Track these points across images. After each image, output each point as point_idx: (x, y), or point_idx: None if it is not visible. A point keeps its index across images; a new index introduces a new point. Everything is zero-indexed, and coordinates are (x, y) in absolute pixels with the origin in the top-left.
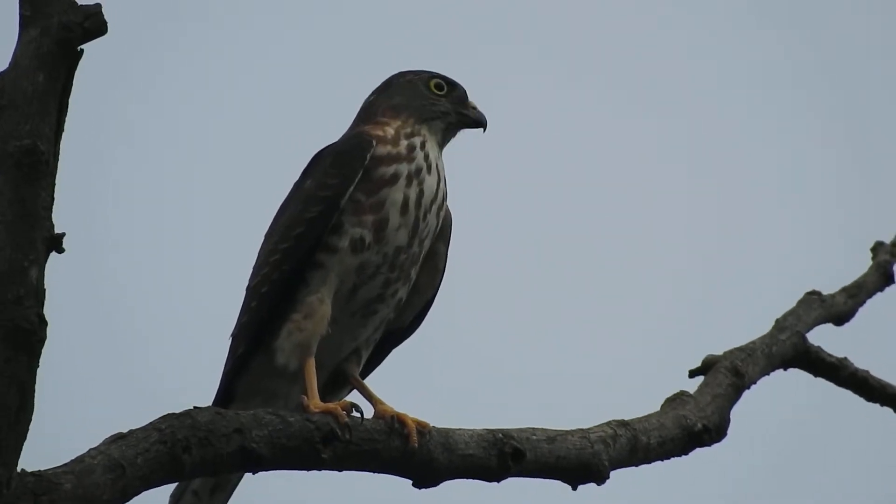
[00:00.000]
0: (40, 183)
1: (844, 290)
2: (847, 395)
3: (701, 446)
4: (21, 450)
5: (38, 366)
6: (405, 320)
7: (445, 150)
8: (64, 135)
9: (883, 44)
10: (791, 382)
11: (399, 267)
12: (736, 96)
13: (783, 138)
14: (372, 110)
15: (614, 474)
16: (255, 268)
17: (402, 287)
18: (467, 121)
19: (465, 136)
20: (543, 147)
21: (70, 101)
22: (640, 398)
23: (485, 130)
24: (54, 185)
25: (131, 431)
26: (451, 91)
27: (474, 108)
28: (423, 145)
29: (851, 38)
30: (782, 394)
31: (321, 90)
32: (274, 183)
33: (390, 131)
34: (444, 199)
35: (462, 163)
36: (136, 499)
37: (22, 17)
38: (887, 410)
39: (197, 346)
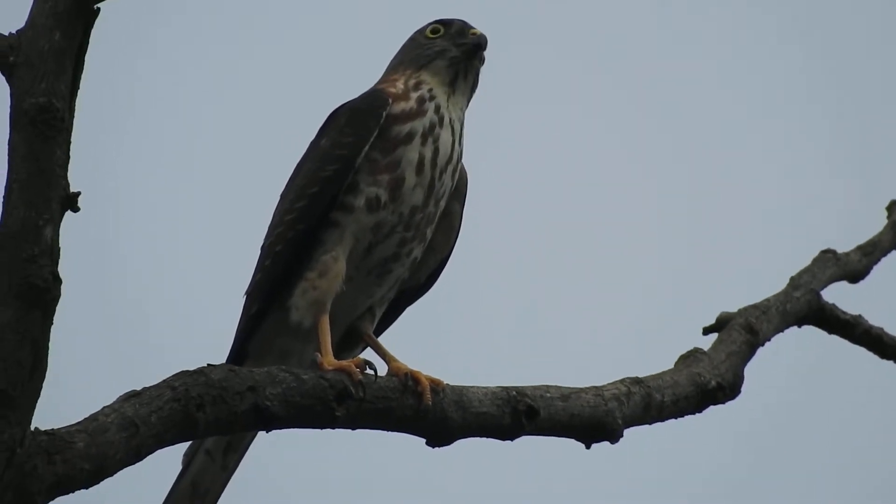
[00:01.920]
0: (55, 140)
1: (859, 248)
2: (861, 352)
3: (715, 404)
4: (34, 408)
5: (52, 324)
6: (420, 279)
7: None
8: (80, 93)
9: None
10: (805, 340)
11: (415, 226)
12: (749, 54)
13: (799, 98)
14: (382, 76)
15: (628, 432)
16: (270, 227)
17: (417, 246)
18: (467, 48)
19: (491, 92)
20: (561, 108)
21: (86, 58)
22: (653, 355)
23: (484, 48)
24: (70, 143)
25: (145, 389)
26: (448, 29)
27: (473, 34)
28: (431, 96)
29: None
30: (796, 351)
31: (333, 73)
32: (290, 146)
33: (400, 86)
34: (460, 158)
35: (481, 124)
36: (149, 458)
37: None
38: None
39: (211, 304)
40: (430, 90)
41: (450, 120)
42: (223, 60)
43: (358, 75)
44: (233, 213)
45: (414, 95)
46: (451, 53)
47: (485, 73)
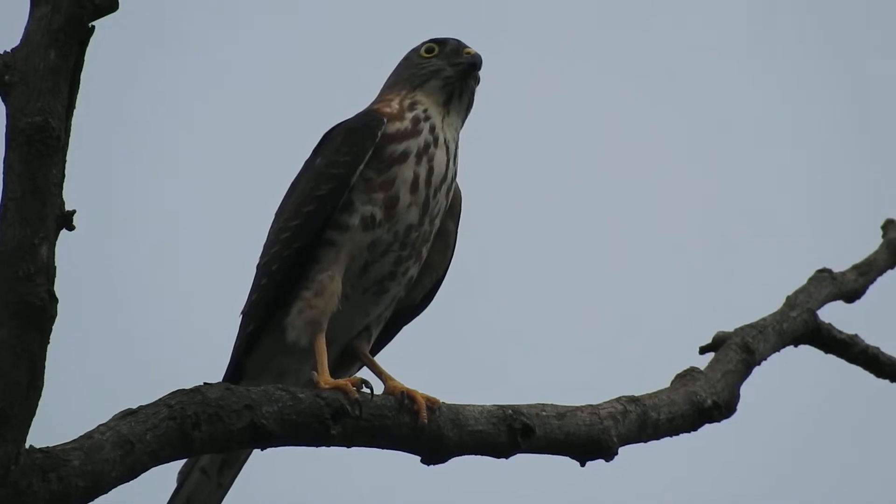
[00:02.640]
0: (51, 159)
1: (855, 267)
2: (857, 371)
3: (711, 422)
4: (30, 426)
5: (48, 342)
6: (416, 297)
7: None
8: (75, 111)
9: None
10: (802, 359)
11: (411, 245)
12: (746, 74)
13: (795, 116)
14: (378, 96)
15: (623, 450)
16: (265, 246)
17: (413, 265)
18: (462, 68)
19: (483, 110)
20: (555, 125)
21: (82, 77)
22: (650, 374)
23: (478, 68)
24: (65, 161)
25: (140, 407)
26: (443, 48)
27: (468, 53)
28: (426, 116)
29: (862, 12)
30: (793, 370)
31: (332, 76)
32: (287, 160)
33: (395, 106)
34: (454, 177)
35: (472, 142)
36: (144, 475)
37: None
38: None
39: (207, 323)
40: (426, 110)
41: (444, 140)
42: (221, 78)
43: (358, 90)
44: (231, 231)
45: (409, 115)
46: (446, 73)
47: (480, 89)
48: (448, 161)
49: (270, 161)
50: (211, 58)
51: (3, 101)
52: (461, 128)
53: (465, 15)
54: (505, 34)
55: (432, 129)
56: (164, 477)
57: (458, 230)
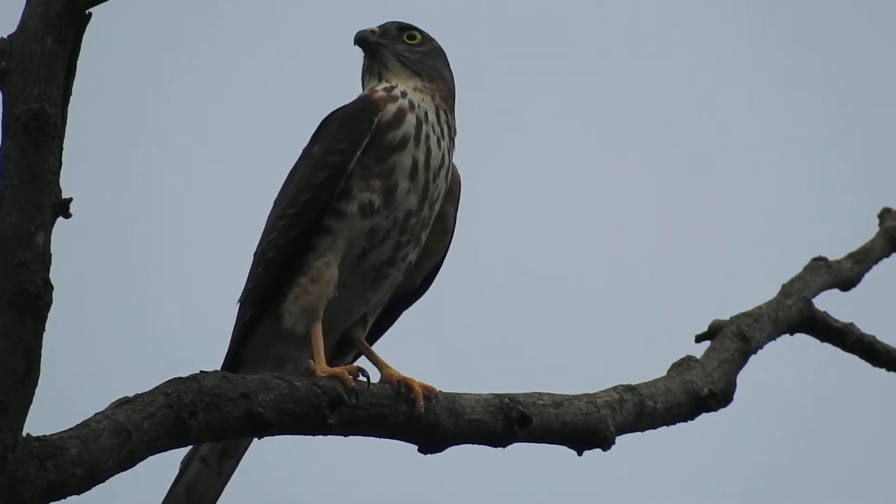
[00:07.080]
0: (48, 146)
1: (851, 255)
2: (853, 360)
3: (707, 411)
4: (27, 414)
5: (44, 330)
6: (415, 282)
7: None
8: (72, 98)
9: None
10: (797, 348)
11: (409, 230)
12: (743, 65)
13: (790, 104)
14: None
15: (620, 440)
16: (263, 234)
17: (412, 250)
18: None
19: (485, 105)
20: (556, 118)
21: (78, 64)
22: (646, 363)
23: (358, 43)
24: (62, 149)
25: (137, 396)
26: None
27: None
28: (402, 93)
29: (861, 6)
30: (789, 359)
31: (331, 65)
32: (285, 148)
33: (381, 92)
34: (451, 156)
35: (476, 126)
36: (144, 464)
37: None
38: (893, 375)
39: (204, 312)
40: (395, 86)
41: (419, 106)
42: (218, 66)
43: (357, 83)
44: (229, 219)
45: (384, 93)
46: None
47: (480, 75)
48: (438, 139)
49: (269, 149)
50: (209, 46)
51: (0, 87)
52: (427, 91)
53: (464, 17)
54: (504, 35)
55: (404, 95)
56: (166, 465)
57: (458, 215)
